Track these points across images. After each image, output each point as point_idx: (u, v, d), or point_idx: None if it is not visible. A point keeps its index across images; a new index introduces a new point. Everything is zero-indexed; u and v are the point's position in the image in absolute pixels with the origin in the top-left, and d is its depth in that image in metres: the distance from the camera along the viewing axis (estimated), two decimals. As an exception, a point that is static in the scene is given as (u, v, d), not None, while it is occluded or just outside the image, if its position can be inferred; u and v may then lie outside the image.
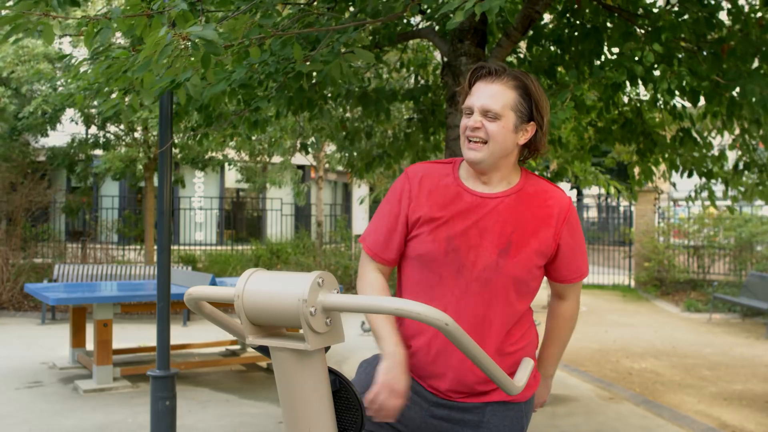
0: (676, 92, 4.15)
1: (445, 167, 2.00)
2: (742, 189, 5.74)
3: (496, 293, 1.89)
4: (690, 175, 5.69)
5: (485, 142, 1.85)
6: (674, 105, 5.10)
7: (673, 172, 5.77)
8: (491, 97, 1.84)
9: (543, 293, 13.61)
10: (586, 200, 26.05)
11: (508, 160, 1.91)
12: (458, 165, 1.99)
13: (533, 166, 6.66)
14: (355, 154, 6.54)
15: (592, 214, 24.39)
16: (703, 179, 5.79)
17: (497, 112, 1.83)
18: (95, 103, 9.47)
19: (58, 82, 10.37)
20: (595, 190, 25.95)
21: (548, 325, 2.11)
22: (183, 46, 2.38)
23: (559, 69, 4.84)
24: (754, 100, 3.88)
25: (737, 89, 4.04)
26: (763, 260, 12.77)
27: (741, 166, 5.62)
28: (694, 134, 5.23)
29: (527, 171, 2.00)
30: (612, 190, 7.22)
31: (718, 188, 5.98)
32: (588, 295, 14.31)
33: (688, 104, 4.75)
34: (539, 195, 1.94)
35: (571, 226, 1.95)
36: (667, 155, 5.61)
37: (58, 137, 12.66)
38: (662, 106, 5.23)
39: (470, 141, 1.87)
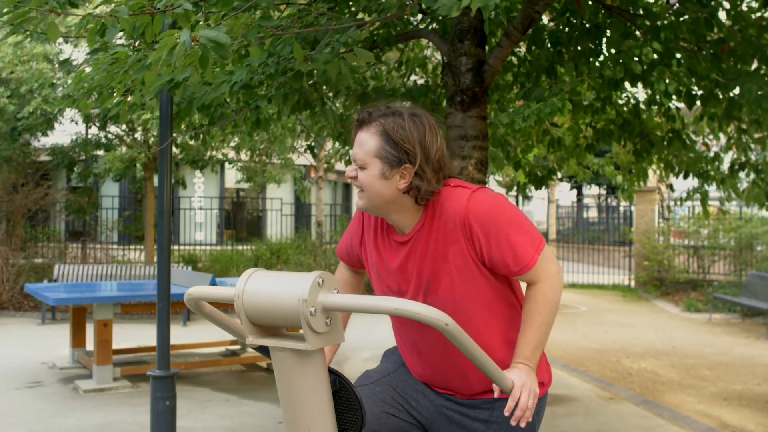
0: (673, 95, 4.15)
1: None
2: (739, 190, 5.75)
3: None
4: (686, 177, 5.71)
5: (362, 190, 1.86)
6: (668, 107, 5.11)
7: (671, 174, 5.79)
8: (358, 146, 1.84)
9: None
10: (586, 200, 26.04)
11: (401, 204, 1.85)
12: None
13: (531, 163, 6.69)
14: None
15: (592, 214, 24.38)
16: (697, 181, 5.80)
17: (363, 160, 1.82)
18: (95, 103, 9.45)
19: (59, 86, 10.37)
20: (595, 190, 25.98)
21: (523, 311, 1.92)
22: (192, 48, 2.38)
23: (560, 69, 4.85)
24: (752, 98, 3.88)
25: (737, 89, 4.05)
26: (763, 260, 12.77)
27: (736, 167, 5.63)
28: (684, 136, 5.25)
29: (434, 193, 1.87)
30: (619, 179, 7.23)
31: (713, 189, 5.99)
32: (588, 295, 14.31)
33: (682, 105, 4.76)
34: (439, 216, 1.85)
35: (479, 224, 1.80)
36: (662, 156, 5.62)
37: (59, 136, 12.66)
38: (657, 108, 5.23)
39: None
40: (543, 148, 6.12)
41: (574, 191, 25.94)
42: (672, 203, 14.88)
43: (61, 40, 10.31)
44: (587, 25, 4.64)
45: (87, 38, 2.72)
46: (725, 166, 5.81)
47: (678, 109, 5.22)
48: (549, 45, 4.76)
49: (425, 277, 1.87)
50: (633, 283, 15.33)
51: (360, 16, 4.11)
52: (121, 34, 3.63)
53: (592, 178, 7.76)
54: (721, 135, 5.60)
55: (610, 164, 7.60)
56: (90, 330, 7.64)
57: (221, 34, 2.31)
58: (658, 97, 4.73)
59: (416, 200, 1.85)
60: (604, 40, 4.65)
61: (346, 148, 6.62)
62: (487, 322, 1.90)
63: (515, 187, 10.03)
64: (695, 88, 4.25)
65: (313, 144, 7.62)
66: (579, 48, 4.64)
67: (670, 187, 6.46)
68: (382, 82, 5.77)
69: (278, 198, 17.26)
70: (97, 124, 11.46)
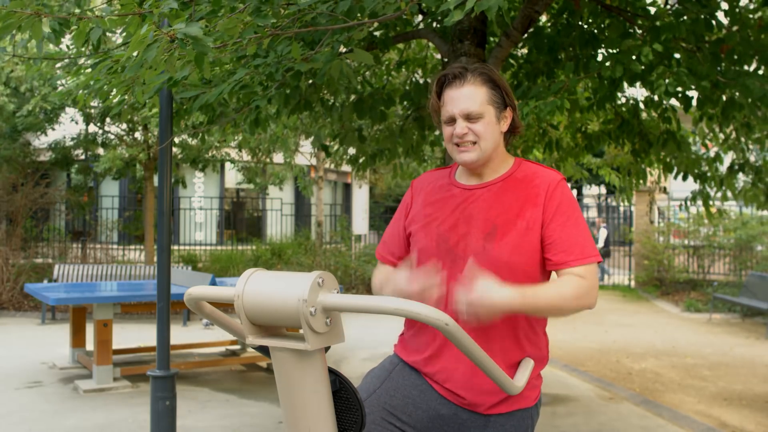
0: (673, 95, 4.15)
1: (443, 171, 2.11)
2: (736, 190, 5.75)
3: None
4: (684, 178, 5.70)
5: (475, 143, 1.92)
6: (665, 108, 5.10)
7: (669, 175, 5.79)
8: (467, 99, 1.90)
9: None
10: (586, 200, 26.03)
11: (498, 150, 1.98)
12: (456, 166, 2.08)
13: (539, 159, 6.70)
14: (351, 150, 6.54)
15: (592, 214, 24.38)
16: (698, 183, 5.80)
17: (479, 111, 1.90)
18: (95, 103, 9.45)
19: (58, 82, 10.37)
20: (595, 190, 25.99)
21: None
22: (173, 44, 2.37)
23: (559, 73, 4.85)
24: (751, 99, 3.88)
25: (737, 89, 4.04)
26: (763, 260, 12.76)
27: (736, 167, 5.63)
28: (678, 138, 5.25)
29: (522, 160, 2.03)
30: (616, 181, 7.23)
31: (712, 191, 6.00)
32: (588, 295, 14.29)
33: (677, 104, 4.77)
34: (528, 178, 1.96)
35: (559, 201, 1.90)
36: (661, 156, 5.62)
37: (59, 136, 12.66)
38: (653, 108, 5.23)
39: (460, 146, 1.93)
40: (541, 149, 6.12)
41: (574, 191, 25.96)
42: (674, 205, 14.89)
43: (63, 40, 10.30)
44: (586, 27, 4.64)
45: (74, 40, 2.71)
46: (724, 166, 5.82)
47: (674, 110, 5.22)
48: (548, 49, 4.76)
49: (493, 222, 1.91)
50: (633, 283, 15.32)
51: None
52: (119, 33, 3.63)
53: (589, 179, 7.77)
54: (721, 135, 5.60)
55: (607, 166, 7.61)
56: (90, 330, 7.64)
57: (195, 27, 2.30)
58: (656, 96, 4.73)
59: (506, 145, 2.01)
60: (604, 42, 4.65)
61: (343, 149, 6.58)
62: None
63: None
64: (693, 89, 4.25)
65: (328, 145, 7.53)
66: (578, 51, 4.64)
67: (664, 190, 6.44)
68: (382, 83, 5.76)
69: (278, 198, 17.25)
70: (97, 124, 11.45)
